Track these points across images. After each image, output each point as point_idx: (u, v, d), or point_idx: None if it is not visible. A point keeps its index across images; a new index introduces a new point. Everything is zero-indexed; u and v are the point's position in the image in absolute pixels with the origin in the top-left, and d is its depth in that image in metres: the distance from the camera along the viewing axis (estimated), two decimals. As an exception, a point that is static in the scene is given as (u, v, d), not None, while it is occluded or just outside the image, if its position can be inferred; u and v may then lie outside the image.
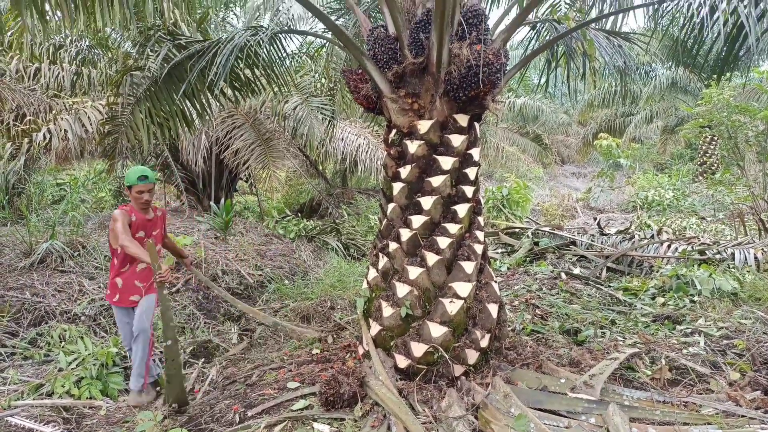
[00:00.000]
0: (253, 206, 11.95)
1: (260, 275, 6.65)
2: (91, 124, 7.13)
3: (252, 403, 3.62)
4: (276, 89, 5.04)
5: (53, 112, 7.50)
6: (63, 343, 4.41)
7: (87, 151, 8.59)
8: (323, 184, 12.72)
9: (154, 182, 3.91)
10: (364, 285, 4.01)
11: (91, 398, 3.87)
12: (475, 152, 3.79)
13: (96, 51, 9.00)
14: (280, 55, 4.72)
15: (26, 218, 5.98)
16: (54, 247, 5.56)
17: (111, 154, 5.46)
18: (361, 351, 3.93)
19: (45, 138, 6.91)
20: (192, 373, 4.36)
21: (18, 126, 7.20)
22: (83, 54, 8.91)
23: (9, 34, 8.46)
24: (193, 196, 10.48)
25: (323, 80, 9.12)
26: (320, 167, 13.30)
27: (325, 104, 8.18)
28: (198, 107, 4.88)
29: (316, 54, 10.27)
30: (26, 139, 6.91)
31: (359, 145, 10.13)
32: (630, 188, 15.65)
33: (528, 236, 8.26)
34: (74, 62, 8.84)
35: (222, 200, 8.92)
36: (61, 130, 7.04)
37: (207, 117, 5.09)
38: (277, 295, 6.19)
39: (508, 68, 3.90)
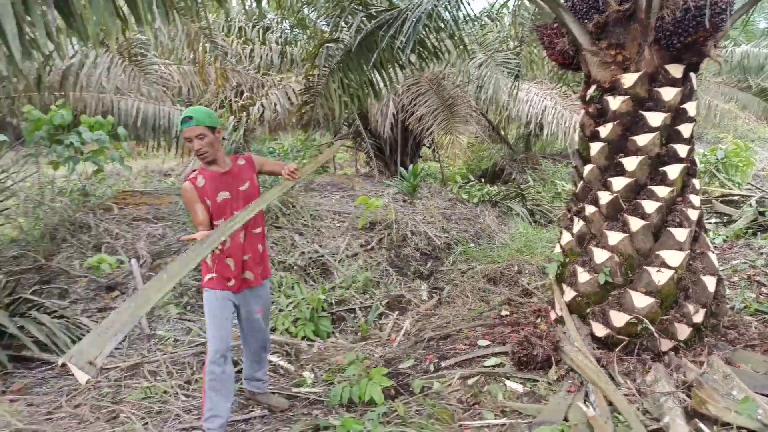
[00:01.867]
0: (434, 172, 12.23)
1: (447, 237, 6.84)
2: (295, 97, 7.94)
3: (444, 356, 3.81)
4: (460, 51, 5.02)
5: (265, 87, 8.50)
6: (282, 288, 5.07)
7: (291, 123, 9.57)
8: (506, 149, 12.46)
9: (210, 125, 2.81)
10: (557, 249, 3.90)
11: (305, 337, 4.42)
12: (690, 107, 3.38)
13: (296, 31, 9.93)
14: (465, 16, 4.69)
15: (249, 181, 6.94)
16: (271, 206, 6.37)
17: (307, 122, 5.98)
18: (553, 316, 3.85)
19: (259, 111, 7.88)
20: (388, 323, 4.72)
21: (238, 101, 8.31)
22: (286, 34, 9.91)
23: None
24: (381, 162, 11.08)
25: (509, 40, 8.85)
26: (502, 132, 13.02)
27: (510, 59, 7.94)
28: (385, 76, 5.10)
29: (497, 14, 9.98)
30: (244, 113, 7.97)
31: (545, 107, 9.65)
32: None
33: (751, 205, 7.15)
34: (279, 42, 9.88)
35: (409, 165, 9.29)
36: (271, 104, 7.97)
37: (394, 85, 5.28)
38: (463, 257, 6.32)
39: (734, 8, 3.37)
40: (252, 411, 3.35)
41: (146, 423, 3.18)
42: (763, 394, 2.79)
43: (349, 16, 5.50)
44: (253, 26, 10.12)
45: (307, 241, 6.16)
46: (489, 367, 3.51)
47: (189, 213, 2.95)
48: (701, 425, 2.63)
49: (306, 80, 5.86)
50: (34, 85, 6.50)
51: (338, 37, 5.37)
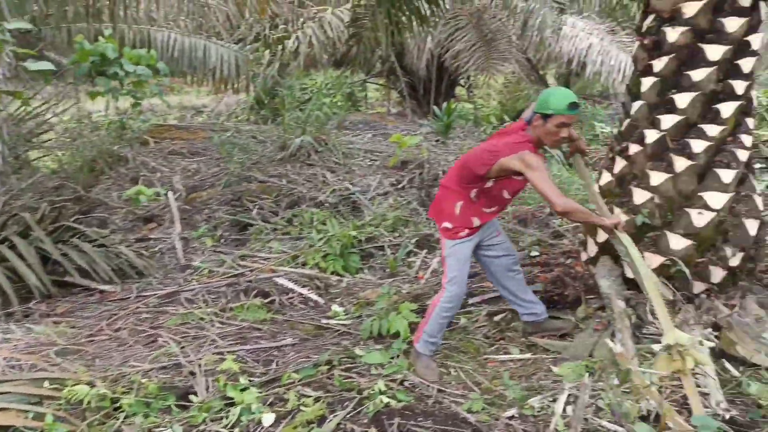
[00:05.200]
0: (467, 114, 11.93)
1: (478, 178, 6.75)
2: (330, 30, 7.73)
3: (472, 293, 3.84)
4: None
5: (300, 20, 8.29)
6: (313, 223, 5.13)
7: (324, 59, 9.38)
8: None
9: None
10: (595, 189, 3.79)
11: (334, 272, 4.49)
12: (754, 39, 3.14)
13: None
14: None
15: (282, 117, 6.91)
16: (304, 142, 6.36)
17: (353, 58, 5.87)
18: (584, 257, 3.80)
19: (294, 44, 7.73)
20: (416, 261, 4.75)
21: (273, 34, 8.16)
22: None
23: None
24: (414, 101, 10.88)
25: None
26: (541, 72, 12.52)
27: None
28: (432, 5, 4.92)
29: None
30: (279, 46, 7.84)
31: (591, 44, 9.17)
32: None
33: (801, 151, 6.79)
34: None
35: (444, 104, 9.09)
36: (306, 37, 7.80)
37: (439, 15, 5.12)
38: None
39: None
40: (283, 339, 3.46)
41: (183, 347, 3.32)
42: (798, 340, 2.73)
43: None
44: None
45: (339, 179, 6.16)
46: (517, 305, 3.51)
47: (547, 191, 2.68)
48: (728, 365, 2.61)
49: (353, 12, 5.70)
50: (84, 13, 6.28)
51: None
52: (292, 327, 3.66)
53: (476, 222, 2.94)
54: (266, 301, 3.95)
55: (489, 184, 2.87)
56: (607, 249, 3.50)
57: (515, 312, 3.41)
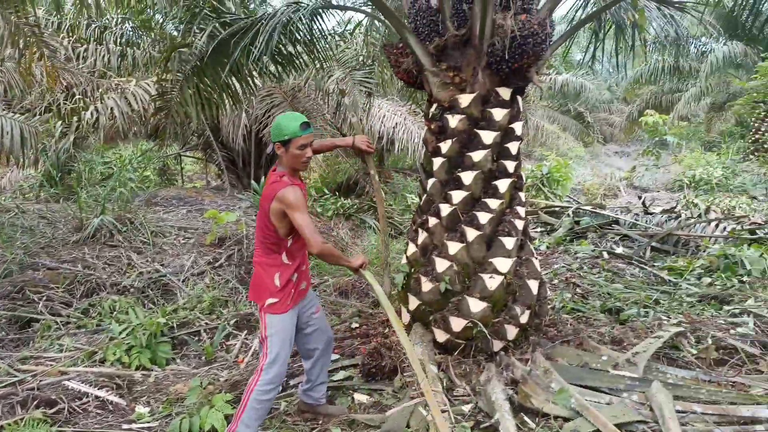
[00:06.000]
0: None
1: (299, 251, 6.74)
2: (136, 102, 7.33)
3: (294, 373, 3.72)
4: (319, 65, 5.06)
5: (100, 90, 7.74)
6: (114, 313, 4.59)
7: (132, 131, 8.83)
8: (360, 163, 12.73)
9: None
10: (404, 260, 4.03)
11: (140, 366, 4.03)
12: (517, 126, 3.72)
13: (139, 32, 9.20)
14: (321, 30, 4.71)
15: (77, 194, 6.23)
16: (104, 222, 5.77)
17: (162, 132, 5.58)
18: (399, 325, 3.95)
19: (92, 116, 7.13)
20: (236, 344, 4.49)
21: (68, 104, 7.46)
22: (127, 35, 9.13)
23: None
24: (233, 175, 10.68)
25: (361, 57, 9.09)
26: (357, 146, 13.28)
27: (367, 77, 8.15)
28: (243, 83, 4.96)
29: (353, 31, 10.20)
30: (75, 118, 7.17)
31: (396, 123, 10.06)
32: (676, 167, 15.12)
33: (568, 215, 8.10)
34: (119, 43, 9.06)
35: (262, 179, 9.05)
36: (107, 109, 7.27)
37: (250, 92, 5.17)
38: (316, 271, 6.28)
39: (553, 40, 3.80)
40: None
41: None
42: (576, 385, 3.12)
43: (202, 22, 5.20)
44: (88, 25, 9.17)
45: (147, 260, 5.67)
46: (337, 381, 3.49)
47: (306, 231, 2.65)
48: (526, 418, 2.86)
49: (159, 85, 5.42)
50: None
51: (191, 42, 5.04)
52: (83, 440, 3.14)
53: (295, 277, 2.89)
54: (51, 411, 3.35)
55: (290, 242, 2.82)
56: (419, 316, 3.71)
57: (337, 388, 3.38)
